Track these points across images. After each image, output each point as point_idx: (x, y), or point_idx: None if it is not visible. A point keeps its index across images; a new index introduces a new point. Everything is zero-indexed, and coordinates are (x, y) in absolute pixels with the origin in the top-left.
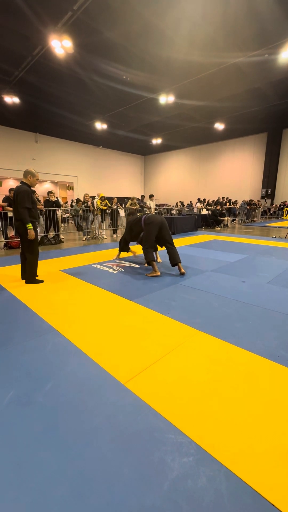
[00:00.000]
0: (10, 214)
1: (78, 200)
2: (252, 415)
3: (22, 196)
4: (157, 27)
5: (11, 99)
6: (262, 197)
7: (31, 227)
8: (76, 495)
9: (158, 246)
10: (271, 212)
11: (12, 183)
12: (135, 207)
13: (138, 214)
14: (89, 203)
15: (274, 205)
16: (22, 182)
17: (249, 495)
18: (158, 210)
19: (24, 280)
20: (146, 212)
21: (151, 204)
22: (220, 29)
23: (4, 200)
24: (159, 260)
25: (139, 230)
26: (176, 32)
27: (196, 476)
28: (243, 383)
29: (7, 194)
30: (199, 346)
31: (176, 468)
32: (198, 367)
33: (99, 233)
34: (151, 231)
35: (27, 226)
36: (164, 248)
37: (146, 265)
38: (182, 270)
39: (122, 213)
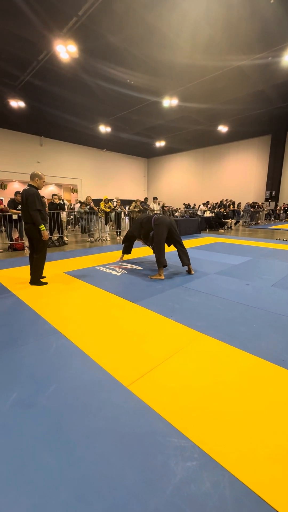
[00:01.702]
0: (14, 217)
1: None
2: (256, 419)
3: (33, 199)
4: (160, 31)
5: (17, 103)
6: (266, 200)
7: (44, 228)
8: (78, 498)
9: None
10: (276, 214)
11: (17, 186)
12: (137, 210)
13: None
14: (92, 205)
15: (278, 207)
16: (29, 185)
17: (253, 501)
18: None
19: (29, 282)
20: (157, 212)
21: (155, 206)
22: (223, 32)
23: (9, 203)
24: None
25: (149, 228)
26: (179, 35)
27: (199, 481)
28: (247, 387)
29: (12, 196)
30: (202, 349)
31: (179, 472)
32: (201, 370)
33: (103, 235)
34: (160, 232)
35: (40, 227)
36: (173, 249)
37: (149, 245)
38: (192, 272)
39: (123, 215)
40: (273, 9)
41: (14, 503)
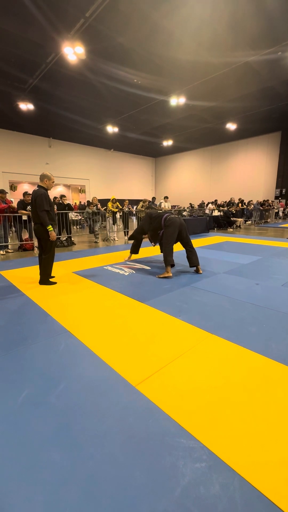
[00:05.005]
0: (24, 217)
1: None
2: (267, 421)
3: (41, 200)
4: (166, 29)
5: (26, 106)
6: (276, 198)
7: (52, 228)
8: (87, 497)
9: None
10: (286, 212)
11: (27, 187)
12: (144, 209)
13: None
14: (98, 206)
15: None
16: (39, 186)
17: (264, 505)
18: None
19: (38, 281)
20: (169, 211)
21: (166, 205)
22: (230, 28)
23: (18, 204)
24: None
25: (158, 226)
26: (186, 33)
27: (208, 482)
28: (257, 388)
29: (21, 197)
30: (211, 350)
31: (188, 473)
32: (210, 371)
33: (111, 235)
34: (170, 234)
35: (48, 228)
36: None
37: (156, 243)
38: (200, 271)
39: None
40: (281, 3)
41: (25, 500)
